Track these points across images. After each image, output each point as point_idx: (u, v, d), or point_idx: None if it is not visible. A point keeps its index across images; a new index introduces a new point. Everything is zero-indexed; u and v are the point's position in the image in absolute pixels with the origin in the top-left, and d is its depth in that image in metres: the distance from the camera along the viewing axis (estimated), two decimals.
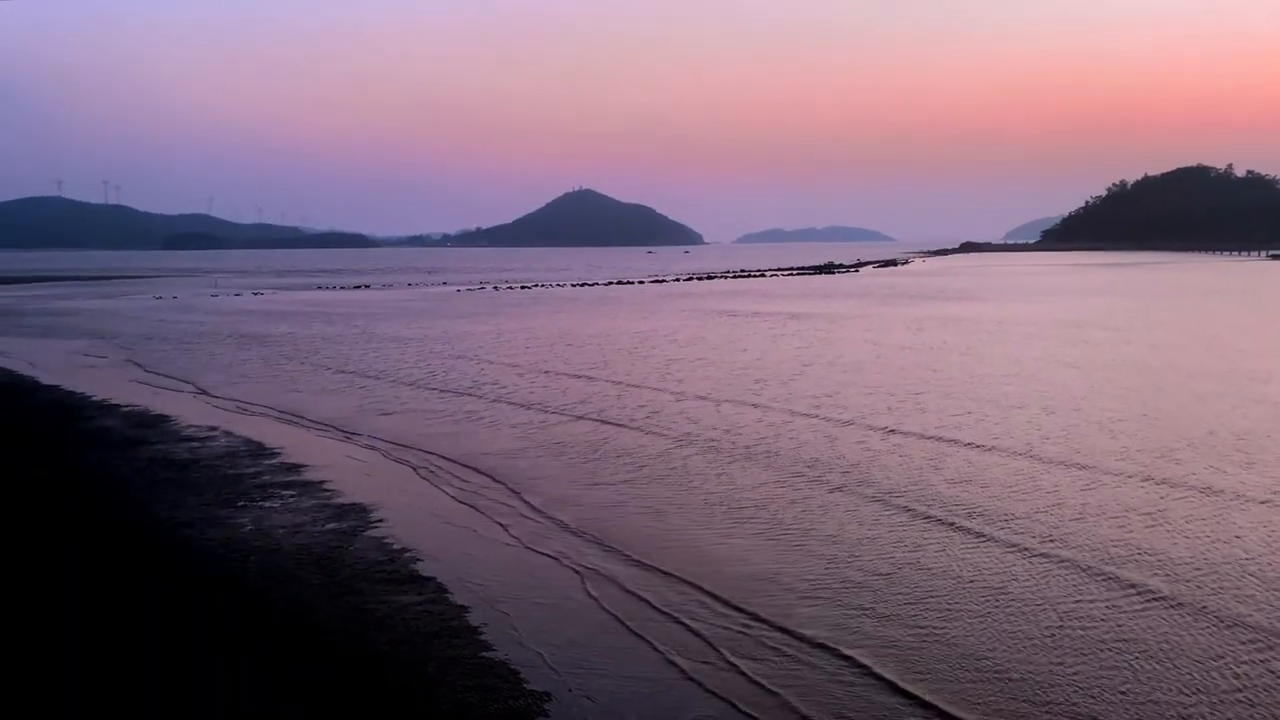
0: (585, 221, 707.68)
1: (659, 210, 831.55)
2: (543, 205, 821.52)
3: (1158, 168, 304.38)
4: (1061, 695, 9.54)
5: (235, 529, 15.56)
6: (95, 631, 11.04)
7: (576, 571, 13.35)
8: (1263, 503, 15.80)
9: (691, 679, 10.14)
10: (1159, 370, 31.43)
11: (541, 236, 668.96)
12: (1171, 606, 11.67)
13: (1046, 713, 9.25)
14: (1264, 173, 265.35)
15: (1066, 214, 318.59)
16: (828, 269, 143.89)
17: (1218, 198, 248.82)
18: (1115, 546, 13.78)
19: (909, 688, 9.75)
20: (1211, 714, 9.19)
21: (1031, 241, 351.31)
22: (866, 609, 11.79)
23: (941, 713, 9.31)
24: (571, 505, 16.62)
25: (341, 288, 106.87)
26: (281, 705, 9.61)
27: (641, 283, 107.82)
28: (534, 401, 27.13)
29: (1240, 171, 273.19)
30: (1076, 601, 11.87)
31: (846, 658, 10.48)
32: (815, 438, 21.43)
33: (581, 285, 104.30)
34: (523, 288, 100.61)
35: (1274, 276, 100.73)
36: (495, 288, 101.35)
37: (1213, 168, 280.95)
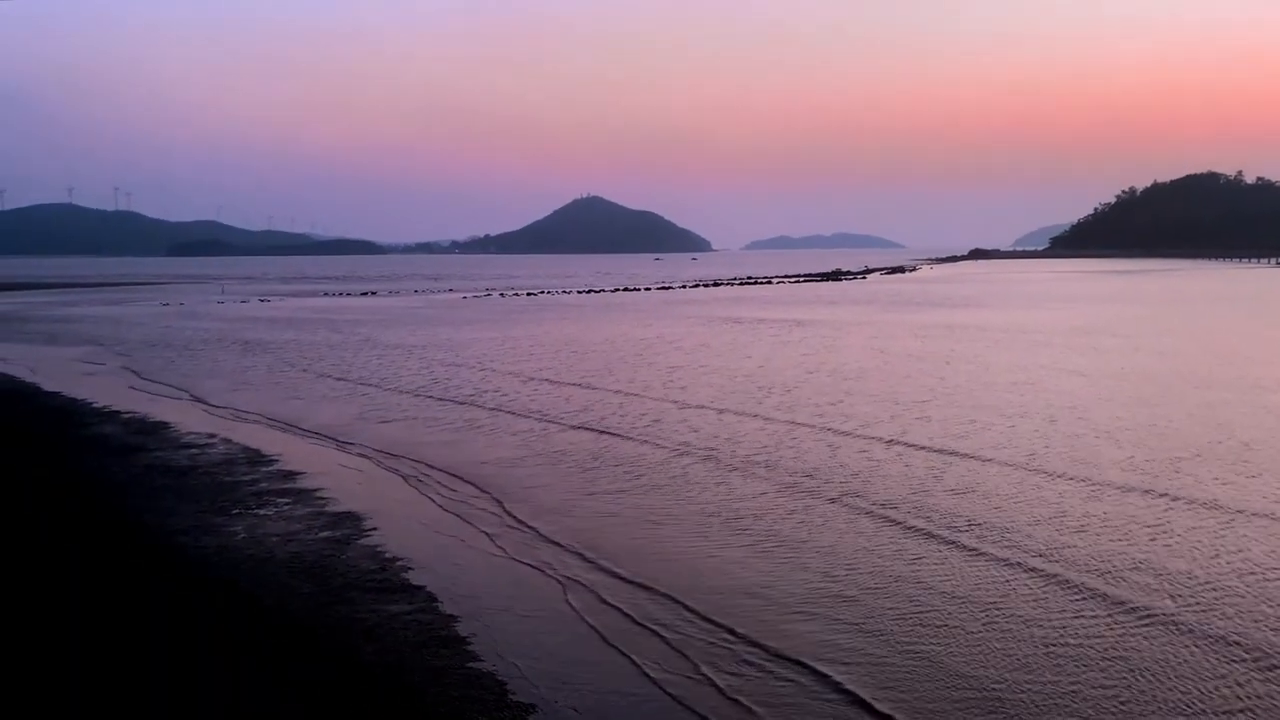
0: (593, 229, 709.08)
1: (667, 217, 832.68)
2: (551, 212, 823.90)
3: (1168, 174, 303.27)
4: None
5: (229, 537, 15.49)
6: (77, 641, 10.91)
7: (563, 583, 13.15)
8: (1268, 515, 15.53)
9: (669, 694, 9.99)
10: (1167, 378, 31.14)
11: (549, 244, 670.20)
12: (1173, 624, 11.37)
13: None
14: (1274, 179, 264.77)
15: (1076, 221, 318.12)
16: (835, 276, 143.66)
17: (1228, 205, 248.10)
18: (1117, 560, 13.52)
19: (886, 709, 9.51)
20: None
21: (1041, 248, 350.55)
22: (857, 625, 11.52)
23: None
24: (566, 515, 16.44)
25: (348, 294, 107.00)
26: (267, 714, 9.49)
27: (648, 289, 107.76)
28: (535, 410, 26.99)
29: (1250, 178, 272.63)
30: (1074, 618, 11.56)
31: (823, 675, 10.25)
32: (817, 447, 21.22)
33: (588, 292, 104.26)
34: (529, 294, 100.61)
35: None
36: (501, 294, 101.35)
37: (1223, 174, 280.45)
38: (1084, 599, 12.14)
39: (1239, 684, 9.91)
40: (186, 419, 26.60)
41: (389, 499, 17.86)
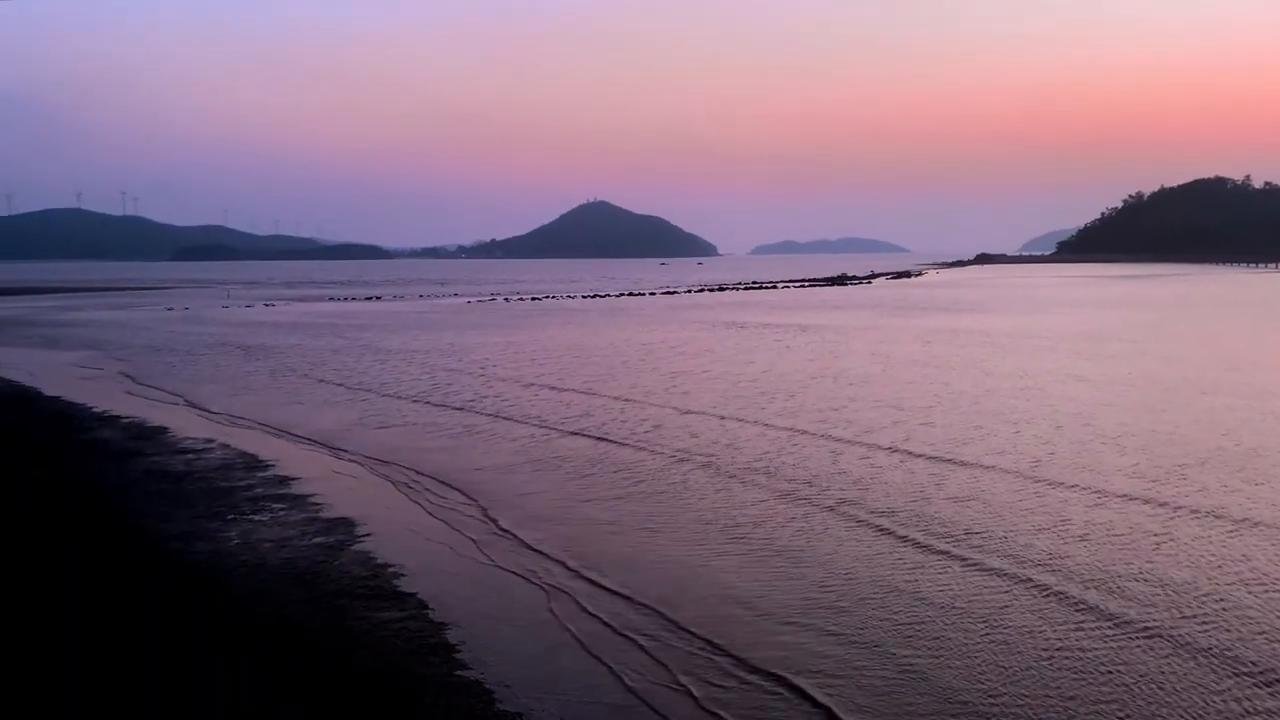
0: (599, 233, 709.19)
1: (673, 222, 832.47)
2: (557, 217, 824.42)
3: (1174, 179, 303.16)
4: None
5: (223, 542, 15.42)
6: (67, 647, 10.77)
7: (551, 592, 13.01)
8: (1273, 524, 15.29)
9: (649, 705, 9.89)
10: (1173, 384, 30.88)
11: (555, 248, 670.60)
12: (1174, 638, 11.11)
13: None
14: None
15: (1083, 225, 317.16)
16: (840, 281, 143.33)
17: (1235, 209, 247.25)
18: (1119, 570, 13.30)
19: None
20: None
21: (1047, 253, 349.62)
22: (848, 637, 11.28)
23: None
24: (560, 523, 16.28)
25: (353, 299, 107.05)
26: None
27: (652, 294, 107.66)
28: (534, 415, 26.83)
29: (1258, 183, 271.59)
30: (1072, 631, 11.31)
31: (799, 689, 10.06)
32: (818, 453, 21.03)
33: (592, 297, 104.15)
34: (533, 299, 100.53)
35: None
36: (506, 299, 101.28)
37: (1230, 179, 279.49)
38: (1083, 611, 11.89)
39: (1241, 699, 9.71)
40: (185, 424, 26.50)
41: (383, 505, 17.72)
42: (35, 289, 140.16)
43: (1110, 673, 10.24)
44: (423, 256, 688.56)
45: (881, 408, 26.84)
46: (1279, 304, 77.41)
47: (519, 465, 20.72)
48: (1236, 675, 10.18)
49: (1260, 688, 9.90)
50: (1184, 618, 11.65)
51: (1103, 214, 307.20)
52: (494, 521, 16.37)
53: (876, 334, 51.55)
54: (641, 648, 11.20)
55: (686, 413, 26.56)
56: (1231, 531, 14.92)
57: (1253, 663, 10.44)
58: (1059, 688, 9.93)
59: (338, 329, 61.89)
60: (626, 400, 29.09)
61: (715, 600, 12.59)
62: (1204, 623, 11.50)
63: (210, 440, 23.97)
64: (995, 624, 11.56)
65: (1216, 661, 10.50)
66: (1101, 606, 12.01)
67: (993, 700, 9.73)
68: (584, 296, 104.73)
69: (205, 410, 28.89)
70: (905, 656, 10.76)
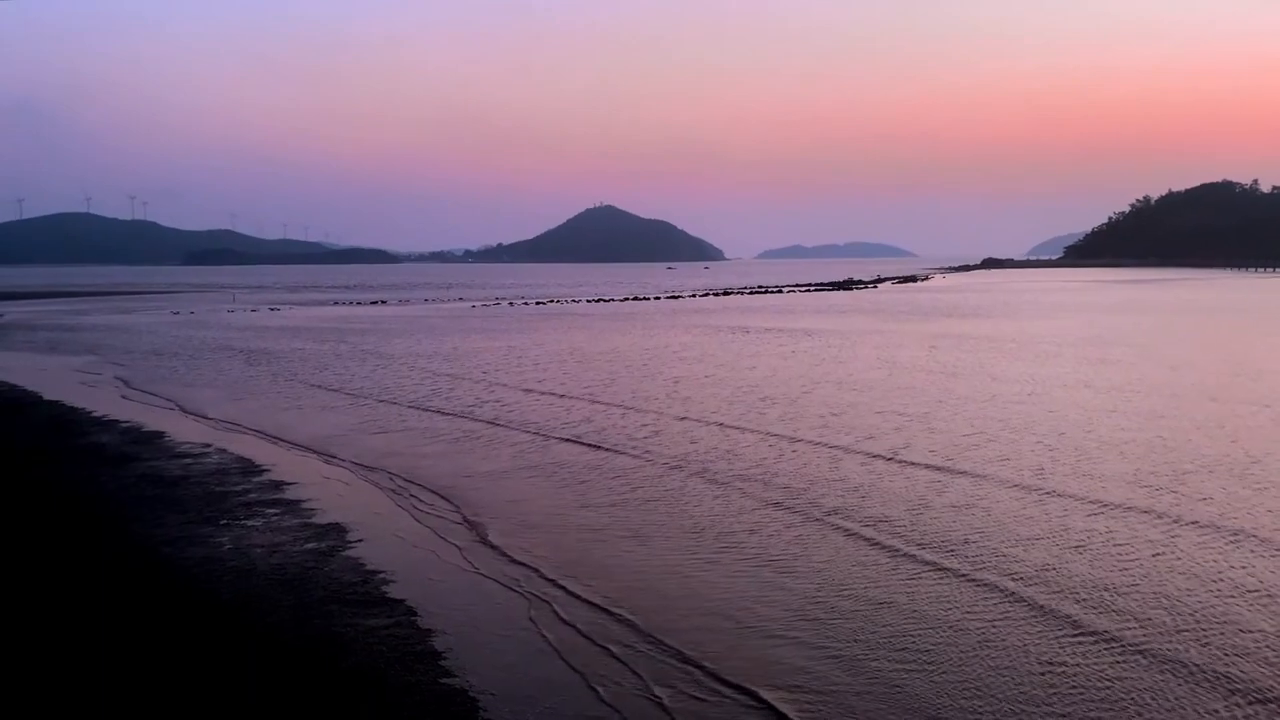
0: (606, 238, 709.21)
1: (680, 226, 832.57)
2: (564, 221, 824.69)
3: (1182, 183, 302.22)
4: None
5: (214, 548, 15.36)
6: (34, 670, 10.66)
7: (535, 601, 12.89)
8: (1272, 534, 15.07)
9: (623, 716, 9.79)
10: (1177, 390, 30.64)
11: (562, 252, 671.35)
12: (1168, 654, 10.85)
13: None
14: None
15: (1090, 230, 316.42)
16: (846, 285, 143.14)
17: (1243, 214, 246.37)
18: (1116, 582, 13.07)
19: None
20: None
21: (1055, 257, 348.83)
22: (833, 652, 11.02)
23: None
24: (552, 530, 16.13)
25: (358, 303, 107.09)
26: None
27: (657, 299, 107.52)
28: (533, 422, 26.68)
29: (1266, 187, 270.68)
30: (1064, 648, 10.97)
31: (767, 704, 9.89)
32: (817, 460, 20.84)
33: (597, 301, 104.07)
34: (537, 303, 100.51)
35: None
36: (510, 303, 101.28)
37: (1238, 183, 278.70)
38: (1077, 628, 11.58)
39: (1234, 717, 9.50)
40: (182, 429, 26.42)
41: (376, 511, 17.60)
42: (42, 293, 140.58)
43: (1103, 692, 9.97)
44: (429, 261, 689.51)
45: (883, 414, 26.65)
46: None
47: (515, 471, 20.58)
48: (1230, 694, 9.95)
49: (1254, 705, 9.67)
50: (1180, 632, 11.43)
51: (1110, 218, 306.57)
52: (485, 529, 16.24)
53: (880, 339, 51.34)
54: (617, 658, 11.06)
55: (686, 419, 26.40)
56: (1232, 542, 14.69)
57: (1246, 681, 10.20)
58: (1049, 708, 9.65)
59: (341, 333, 61.86)
60: (627, 406, 28.94)
61: (700, 612, 12.38)
62: (1200, 639, 11.25)
63: (207, 445, 23.89)
64: (986, 640, 11.26)
65: (1211, 680, 10.24)
66: (1097, 623, 11.72)
67: (976, 718, 9.50)
68: (588, 301, 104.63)
69: (203, 415, 28.81)
70: (889, 673, 10.48)
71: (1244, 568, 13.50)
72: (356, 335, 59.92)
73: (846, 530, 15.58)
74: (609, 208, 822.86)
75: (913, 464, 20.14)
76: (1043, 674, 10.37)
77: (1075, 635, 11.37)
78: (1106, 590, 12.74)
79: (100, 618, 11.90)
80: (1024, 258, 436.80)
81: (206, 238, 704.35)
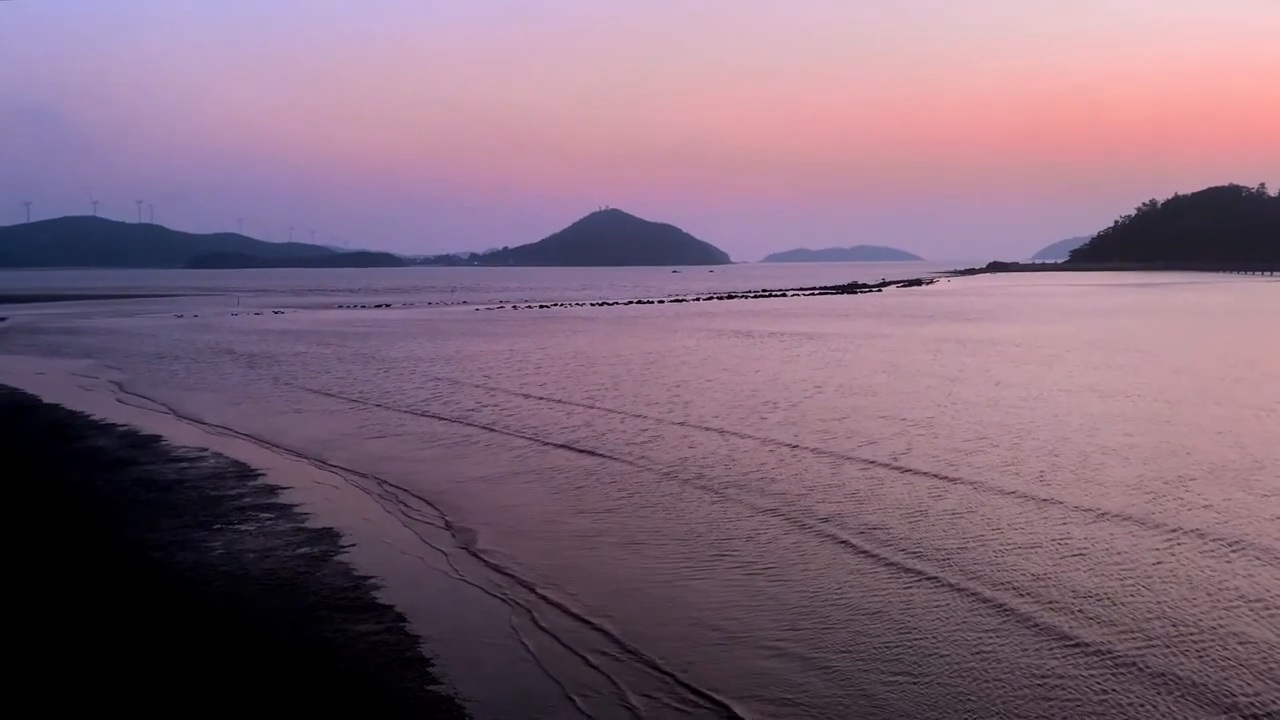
0: (611, 241, 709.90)
1: (685, 230, 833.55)
2: (569, 225, 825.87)
3: (1189, 187, 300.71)
4: None
5: (206, 552, 15.27)
6: (17, 674, 10.53)
7: (522, 608, 12.78)
8: (1273, 542, 14.88)
9: None
10: (1181, 395, 30.40)
11: (568, 256, 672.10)
12: (1165, 669, 10.60)
13: None
14: None
15: (1096, 233, 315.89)
16: (850, 289, 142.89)
17: (1250, 217, 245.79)
18: (1115, 594, 12.80)
19: None
20: None
21: (1061, 261, 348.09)
22: (822, 665, 10.76)
23: None
24: (545, 537, 15.97)
25: (362, 307, 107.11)
26: None
27: (661, 302, 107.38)
28: (532, 426, 26.53)
29: (1273, 191, 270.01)
30: (1058, 663, 10.67)
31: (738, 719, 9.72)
32: (816, 466, 20.66)
33: (601, 304, 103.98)
34: (541, 307, 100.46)
35: None
36: (514, 307, 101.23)
37: (1245, 187, 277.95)
38: (1072, 642, 11.26)
39: None
40: (179, 433, 26.32)
41: (368, 517, 17.47)
42: (47, 296, 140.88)
43: (1097, 706, 9.75)
44: (435, 264, 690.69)
45: (885, 419, 26.46)
46: None
47: (510, 477, 20.43)
48: (1229, 709, 9.74)
49: None
50: (1178, 643, 11.24)
51: (1116, 222, 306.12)
52: (476, 535, 16.10)
53: (884, 343, 51.13)
54: (595, 667, 10.94)
55: (686, 424, 26.21)
56: (1235, 550, 14.48)
57: (1246, 695, 10.00)
58: None
59: (343, 337, 61.81)
60: (626, 411, 28.78)
61: (686, 621, 12.18)
62: (1199, 651, 11.03)
63: (203, 449, 23.79)
64: (979, 653, 10.98)
65: (1209, 694, 10.02)
66: (1094, 635, 11.46)
67: None
68: (592, 304, 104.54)
69: (201, 419, 28.69)
70: (874, 686, 10.24)
71: (1247, 576, 13.30)
72: (359, 339, 59.85)
73: (842, 538, 15.37)
74: (614, 211, 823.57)
75: (913, 470, 19.92)
76: (1036, 688, 10.12)
77: (1071, 648, 11.13)
78: (1105, 601, 12.52)
79: (86, 623, 11.78)
80: (1030, 261, 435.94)
81: (213, 241, 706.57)
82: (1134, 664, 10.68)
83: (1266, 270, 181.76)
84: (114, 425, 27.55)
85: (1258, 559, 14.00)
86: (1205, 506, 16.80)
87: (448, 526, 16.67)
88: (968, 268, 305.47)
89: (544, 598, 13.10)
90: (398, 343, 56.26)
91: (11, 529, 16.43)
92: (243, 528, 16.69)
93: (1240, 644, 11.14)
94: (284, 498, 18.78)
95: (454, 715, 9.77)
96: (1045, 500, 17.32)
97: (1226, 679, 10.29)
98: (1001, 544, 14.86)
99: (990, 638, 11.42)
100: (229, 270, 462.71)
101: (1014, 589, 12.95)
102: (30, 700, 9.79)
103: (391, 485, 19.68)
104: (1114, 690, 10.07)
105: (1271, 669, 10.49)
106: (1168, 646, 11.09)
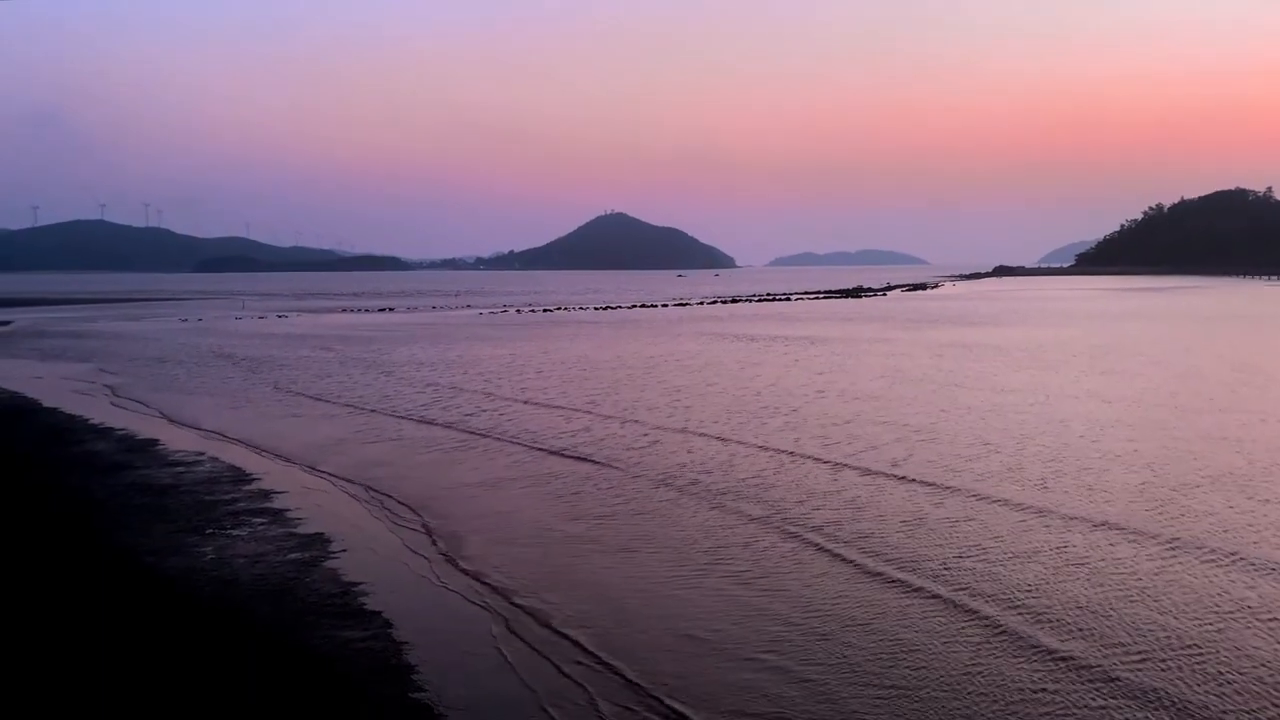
0: (617, 245, 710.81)
1: (691, 234, 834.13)
2: (574, 229, 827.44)
3: (1195, 191, 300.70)
4: None
5: (197, 558, 15.22)
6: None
7: (504, 617, 12.65)
8: (1278, 548, 14.68)
9: None
10: (1184, 401, 30.16)
11: (573, 260, 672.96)
12: (1163, 689, 10.30)
13: None
14: None
15: (1103, 237, 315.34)
16: (855, 293, 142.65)
17: (1256, 221, 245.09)
18: (1114, 608, 12.55)
19: None
20: None
21: (1067, 265, 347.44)
22: (804, 680, 10.51)
23: None
24: (535, 545, 15.81)
25: (366, 311, 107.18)
26: None
27: (665, 306, 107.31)
28: (531, 431, 26.38)
29: None
30: (1054, 676, 10.41)
31: None
32: (815, 472, 20.46)
33: (605, 308, 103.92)
34: (544, 311, 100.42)
35: None
36: (518, 311, 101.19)
37: (1251, 191, 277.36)
38: (1067, 654, 11.03)
39: None
40: (176, 437, 26.25)
41: (359, 523, 17.37)
42: (53, 300, 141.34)
43: None
44: (441, 268, 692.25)
45: (885, 424, 26.26)
46: None
47: (505, 483, 20.28)
48: None
49: None
50: (1177, 654, 11.05)
51: (1122, 226, 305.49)
52: (466, 542, 15.98)
53: (887, 347, 50.93)
54: (569, 677, 10.85)
55: (685, 430, 26.01)
56: (1234, 558, 14.27)
57: (1245, 708, 9.81)
58: None
59: (346, 341, 61.78)
60: (626, 416, 28.60)
61: (672, 633, 11.98)
62: (1197, 662, 10.83)
63: (200, 453, 23.71)
64: (971, 669, 10.70)
65: (1208, 710, 9.83)
66: (1090, 649, 11.18)
67: None
68: (596, 308, 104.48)
69: (198, 423, 28.60)
70: (852, 703, 10.00)
71: (1248, 585, 13.10)
72: (361, 343, 59.80)
73: (838, 548, 15.12)
74: (620, 215, 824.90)
75: (912, 478, 19.69)
76: (1030, 706, 9.87)
77: (1067, 664, 10.85)
78: (1104, 613, 12.29)
79: (76, 631, 11.68)
80: (1036, 265, 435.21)
81: (220, 245, 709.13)
82: (1129, 680, 10.45)
83: (1273, 274, 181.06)
84: (112, 429, 27.50)
85: (1261, 569, 13.79)
86: (1208, 514, 16.60)
87: (439, 533, 16.52)
88: (973, 272, 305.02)
89: (528, 606, 12.96)
90: (399, 347, 56.20)
91: (11, 530, 16.42)
92: (235, 533, 16.61)
93: (1240, 657, 10.94)
94: (277, 502, 18.69)
95: None
96: (1045, 509, 17.10)
97: (1224, 694, 10.11)
98: (1000, 553, 14.67)
99: (983, 653, 11.17)
100: (235, 274, 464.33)
101: (1011, 601, 12.74)
102: (16, 700, 9.71)
103: (385, 491, 19.55)
104: (1109, 707, 9.86)
105: (1272, 684, 10.29)
106: (1165, 661, 10.89)
